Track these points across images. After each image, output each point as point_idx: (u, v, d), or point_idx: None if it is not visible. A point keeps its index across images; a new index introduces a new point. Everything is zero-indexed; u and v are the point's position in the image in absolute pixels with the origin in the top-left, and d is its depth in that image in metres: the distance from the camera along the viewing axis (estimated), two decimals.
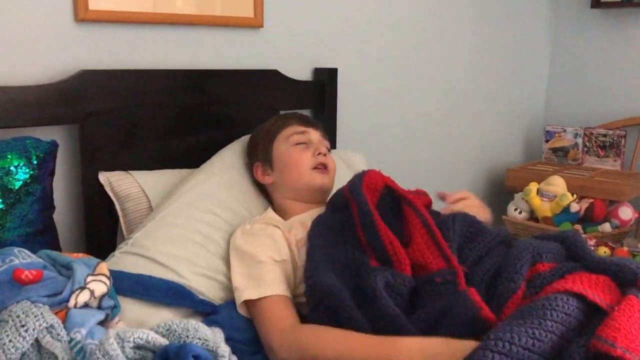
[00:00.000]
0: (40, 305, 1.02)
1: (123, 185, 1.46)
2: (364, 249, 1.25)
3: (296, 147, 1.46)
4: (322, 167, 1.46)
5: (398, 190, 1.33)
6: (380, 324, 1.11)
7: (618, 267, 1.11)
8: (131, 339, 0.98)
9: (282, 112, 1.82)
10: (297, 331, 1.17)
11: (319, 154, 1.46)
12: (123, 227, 1.45)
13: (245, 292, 1.24)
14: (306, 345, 1.14)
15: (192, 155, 1.60)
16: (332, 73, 1.92)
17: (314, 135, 1.49)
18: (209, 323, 1.18)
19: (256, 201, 1.51)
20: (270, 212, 1.48)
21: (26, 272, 1.06)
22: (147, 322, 1.17)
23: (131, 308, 1.19)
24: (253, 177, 1.53)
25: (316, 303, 1.18)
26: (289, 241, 1.35)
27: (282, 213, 1.48)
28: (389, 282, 1.14)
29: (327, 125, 1.92)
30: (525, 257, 1.15)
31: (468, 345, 1.00)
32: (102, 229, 1.48)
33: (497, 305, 1.09)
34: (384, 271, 1.16)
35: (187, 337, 1.04)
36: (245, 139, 1.64)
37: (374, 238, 1.23)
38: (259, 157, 1.50)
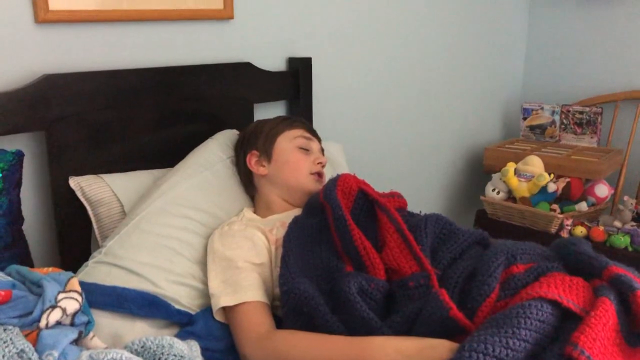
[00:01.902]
0: (10, 327, 1.00)
1: (94, 189, 1.43)
2: (340, 254, 1.25)
3: (299, 150, 1.50)
4: (319, 176, 1.50)
5: (372, 194, 1.32)
6: (355, 328, 1.12)
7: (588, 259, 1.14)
8: None
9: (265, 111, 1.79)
10: (271, 338, 1.17)
11: (319, 163, 1.51)
12: (97, 233, 1.43)
13: (222, 298, 1.24)
14: (280, 351, 1.14)
15: (166, 153, 1.58)
16: (306, 62, 1.88)
17: (316, 146, 1.55)
18: (185, 335, 1.18)
19: (232, 202, 1.50)
20: (248, 213, 1.47)
21: None
22: (122, 335, 1.17)
23: (106, 322, 1.17)
24: (241, 167, 1.52)
25: (291, 309, 1.18)
26: (270, 241, 1.34)
27: (263, 209, 1.48)
28: (362, 287, 1.14)
29: (303, 115, 1.90)
30: (499, 259, 1.15)
31: (440, 343, 1.03)
32: (75, 237, 1.45)
33: (471, 309, 1.10)
34: (358, 276, 1.16)
35: (162, 354, 1.03)
36: (221, 135, 1.62)
37: (348, 244, 1.22)
38: (257, 146, 1.50)
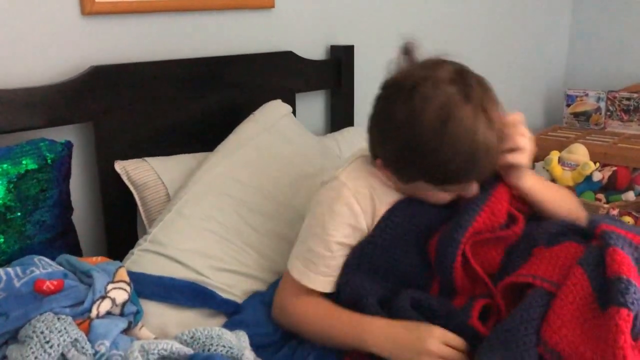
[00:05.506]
0: (64, 317, 1.02)
1: (139, 173, 1.43)
2: (431, 267, 1.18)
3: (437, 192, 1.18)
4: None
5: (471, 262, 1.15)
6: None
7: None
8: (155, 351, 0.99)
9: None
10: (298, 301, 1.19)
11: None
12: (143, 217, 1.43)
13: (295, 269, 1.19)
14: (297, 317, 1.18)
15: (211, 142, 1.57)
16: (348, 50, 1.87)
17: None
18: (233, 324, 1.18)
19: (278, 175, 1.45)
20: (364, 172, 1.21)
21: (47, 283, 1.06)
22: (170, 325, 1.18)
23: (154, 312, 1.19)
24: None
25: (343, 301, 1.17)
26: (375, 213, 1.19)
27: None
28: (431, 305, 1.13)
29: (344, 104, 1.89)
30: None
31: (427, 331, 1.06)
32: (121, 222, 1.47)
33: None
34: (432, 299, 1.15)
35: (212, 344, 1.04)
36: (258, 112, 1.58)
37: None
38: (393, 170, 1.17)
